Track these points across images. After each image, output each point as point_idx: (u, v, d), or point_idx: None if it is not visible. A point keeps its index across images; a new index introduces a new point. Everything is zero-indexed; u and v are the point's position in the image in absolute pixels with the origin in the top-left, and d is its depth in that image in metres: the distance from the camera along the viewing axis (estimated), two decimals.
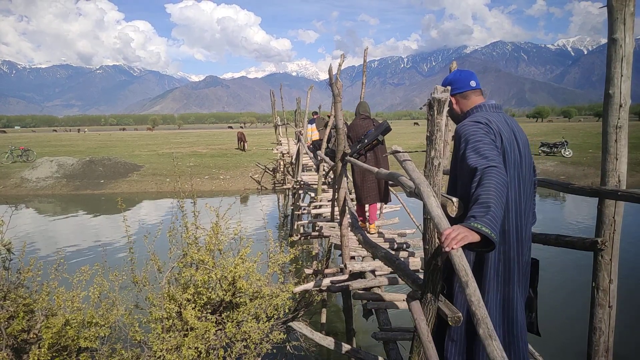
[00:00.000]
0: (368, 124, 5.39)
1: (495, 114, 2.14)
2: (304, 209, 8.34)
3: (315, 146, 10.39)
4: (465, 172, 1.86)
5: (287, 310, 4.43)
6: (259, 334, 3.98)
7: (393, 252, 4.19)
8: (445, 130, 2.32)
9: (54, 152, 27.90)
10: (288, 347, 4.36)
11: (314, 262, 6.95)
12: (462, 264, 1.41)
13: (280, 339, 4.09)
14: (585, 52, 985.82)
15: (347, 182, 5.40)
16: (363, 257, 4.48)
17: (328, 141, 7.81)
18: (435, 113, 1.76)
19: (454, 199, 1.75)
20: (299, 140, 11.68)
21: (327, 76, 3.98)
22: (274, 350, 4.11)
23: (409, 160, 1.97)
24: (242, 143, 29.32)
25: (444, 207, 1.78)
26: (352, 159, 4.03)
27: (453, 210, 1.75)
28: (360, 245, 4.80)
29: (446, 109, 1.77)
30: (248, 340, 3.95)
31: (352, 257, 4.49)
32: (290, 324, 3.57)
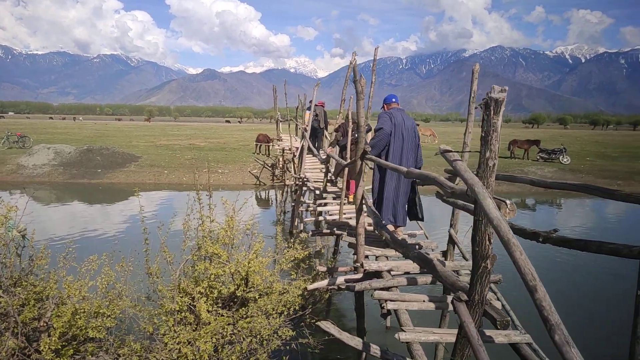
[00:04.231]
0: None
1: (397, 112, 5.08)
2: (308, 206, 8.27)
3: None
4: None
5: (296, 308, 4.39)
6: (268, 330, 3.94)
7: None
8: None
9: (50, 139, 27.62)
10: (294, 344, 4.32)
11: (317, 260, 6.90)
12: (528, 268, 1.38)
13: (289, 335, 4.06)
14: (583, 61, 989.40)
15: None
16: (377, 257, 4.45)
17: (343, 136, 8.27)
18: (492, 113, 1.71)
19: (508, 202, 1.71)
20: (303, 137, 11.62)
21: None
22: (285, 347, 4.07)
23: (459, 160, 1.93)
24: (263, 147, 23.87)
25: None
26: (373, 157, 3.99)
27: (507, 212, 1.70)
28: (373, 245, 4.77)
29: (503, 109, 1.73)
30: (259, 336, 3.92)
31: (366, 256, 4.45)
32: (318, 323, 3.52)
